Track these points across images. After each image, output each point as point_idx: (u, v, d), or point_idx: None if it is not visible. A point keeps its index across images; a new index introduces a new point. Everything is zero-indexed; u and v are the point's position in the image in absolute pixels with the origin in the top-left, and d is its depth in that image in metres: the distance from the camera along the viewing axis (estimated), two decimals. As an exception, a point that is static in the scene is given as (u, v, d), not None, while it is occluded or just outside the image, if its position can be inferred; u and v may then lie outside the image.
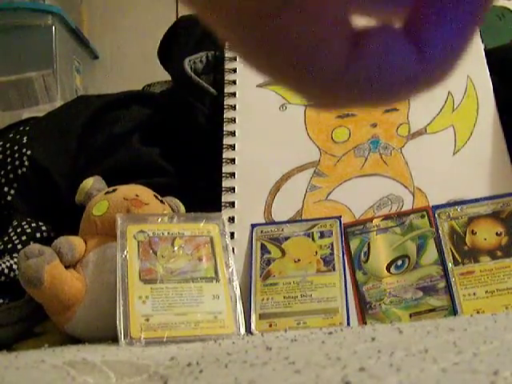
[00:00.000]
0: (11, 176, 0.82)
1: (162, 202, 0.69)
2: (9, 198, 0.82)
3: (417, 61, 0.17)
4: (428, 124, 0.74)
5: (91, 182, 0.70)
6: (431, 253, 0.64)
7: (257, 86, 0.80)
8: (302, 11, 0.15)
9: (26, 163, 0.82)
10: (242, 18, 0.15)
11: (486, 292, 0.60)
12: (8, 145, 0.85)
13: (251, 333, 0.61)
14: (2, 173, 0.82)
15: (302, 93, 0.17)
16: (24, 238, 0.75)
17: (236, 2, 0.15)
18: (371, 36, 0.17)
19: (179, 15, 1.47)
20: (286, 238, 0.68)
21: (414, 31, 0.17)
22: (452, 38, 0.17)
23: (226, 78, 0.81)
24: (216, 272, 0.62)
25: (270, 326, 0.62)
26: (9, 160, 0.83)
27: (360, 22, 0.17)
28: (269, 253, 0.67)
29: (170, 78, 1.02)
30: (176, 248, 0.63)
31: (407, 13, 0.17)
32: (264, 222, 0.70)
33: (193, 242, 0.64)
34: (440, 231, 0.64)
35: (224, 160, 0.75)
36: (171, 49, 1.00)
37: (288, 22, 0.15)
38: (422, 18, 0.17)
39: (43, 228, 0.77)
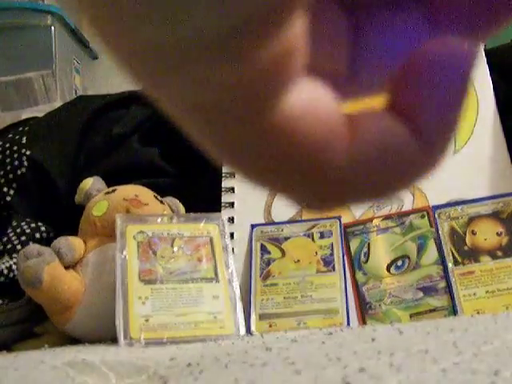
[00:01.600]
0: (10, 176, 0.82)
1: (161, 202, 0.69)
2: (8, 198, 0.81)
3: (415, 144, 0.15)
4: (428, 124, 0.74)
5: (91, 183, 0.70)
6: (431, 253, 0.64)
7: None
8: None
9: (26, 163, 0.82)
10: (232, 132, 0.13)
11: (487, 292, 0.60)
12: (7, 145, 0.85)
13: (251, 333, 0.61)
14: (2, 173, 0.82)
15: (301, 198, 0.15)
16: (23, 238, 0.75)
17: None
18: (365, 126, 0.15)
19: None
20: (286, 239, 0.68)
21: (405, 112, 0.15)
22: (446, 111, 0.15)
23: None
24: (216, 272, 0.62)
25: (270, 326, 0.62)
26: (8, 160, 0.83)
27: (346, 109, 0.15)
28: (269, 253, 0.67)
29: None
30: (176, 248, 0.63)
31: (392, 93, 0.15)
32: (264, 222, 0.70)
33: (192, 243, 0.64)
34: (440, 231, 0.64)
35: (224, 160, 0.74)
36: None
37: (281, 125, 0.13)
38: (411, 96, 0.15)
39: (42, 228, 0.77)
